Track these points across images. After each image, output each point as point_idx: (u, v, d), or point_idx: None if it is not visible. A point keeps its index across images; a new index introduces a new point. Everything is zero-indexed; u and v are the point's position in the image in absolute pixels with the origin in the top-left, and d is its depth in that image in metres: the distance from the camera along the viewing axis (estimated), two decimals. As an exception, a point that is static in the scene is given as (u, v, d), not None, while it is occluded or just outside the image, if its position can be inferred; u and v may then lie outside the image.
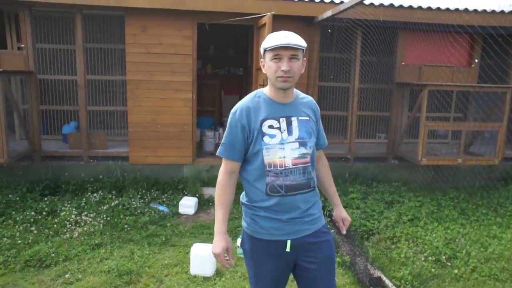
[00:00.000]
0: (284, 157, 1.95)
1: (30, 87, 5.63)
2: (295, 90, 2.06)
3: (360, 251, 4.34)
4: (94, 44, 6.38)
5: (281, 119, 1.97)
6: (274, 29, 5.18)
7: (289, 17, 5.72)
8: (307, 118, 2.02)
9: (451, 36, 5.66)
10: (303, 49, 1.91)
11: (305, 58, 1.97)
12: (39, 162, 5.85)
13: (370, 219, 4.95)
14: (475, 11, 6.00)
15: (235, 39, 8.42)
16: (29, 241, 4.27)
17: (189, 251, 4.19)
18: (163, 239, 4.51)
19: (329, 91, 7.04)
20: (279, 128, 1.96)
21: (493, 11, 6.07)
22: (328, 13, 5.29)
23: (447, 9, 5.94)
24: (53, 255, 4.00)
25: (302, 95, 2.11)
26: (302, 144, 1.97)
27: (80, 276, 3.69)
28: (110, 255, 4.10)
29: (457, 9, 5.94)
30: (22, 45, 5.52)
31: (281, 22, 5.54)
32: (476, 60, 6.66)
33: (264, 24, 5.30)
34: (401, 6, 5.72)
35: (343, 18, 5.58)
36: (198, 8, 5.50)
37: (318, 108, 2.13)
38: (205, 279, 3.71)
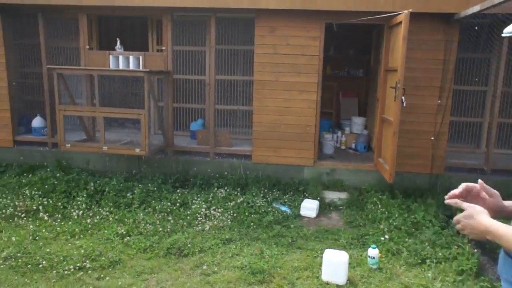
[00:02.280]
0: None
1: (167, 86, 6.09)
2: None
3: None
4: (223, 45, 6.66)
5: None
6: (409, 28, 4.88)
7: (425, 15, 5.33)
8: None
9: None
10: None
11: None
12: (171, 156, 6.30)
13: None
14: None
15: (356, 39, 8.15)
16: (168, 230, 4.60)
17: (317, 255, 4.14)
18: (289, 240, 4.51)
19: (463, 95, 6.40)
20: None
21: None
22: (475, 9, 4.78)
23: None
24: (189, 245, 4.24)
25: None
26: None
27: (216, 269, 3.85)
28: (241, 252, 4.21)
29: None
30: (163, 48, 5.99)
31: (416, 20, 5.19)
32: None
33: (399, 23, 4.99)
34: None
35: (489, 13, 5.00)
36: (328, 7, 5.41)
37: None
38: (338, 287, 3.59)
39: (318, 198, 5.62)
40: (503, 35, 1.42)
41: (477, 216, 1.40)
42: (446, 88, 5.70)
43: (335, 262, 3.64)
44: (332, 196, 5.77)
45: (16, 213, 4.88)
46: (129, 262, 3.94)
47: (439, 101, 5.72)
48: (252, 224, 4.87)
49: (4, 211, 4.89)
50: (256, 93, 5.95)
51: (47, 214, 4.90)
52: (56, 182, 5.60)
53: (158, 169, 6.18)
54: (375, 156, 6.10)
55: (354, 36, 7.97)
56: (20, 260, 3.85)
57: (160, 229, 4.58)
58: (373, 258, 3.97)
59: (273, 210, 5.27)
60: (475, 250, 4.19)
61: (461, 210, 1.48)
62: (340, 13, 5.54)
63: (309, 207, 5.35)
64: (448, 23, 5.50)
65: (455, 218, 1.46)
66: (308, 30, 5.72)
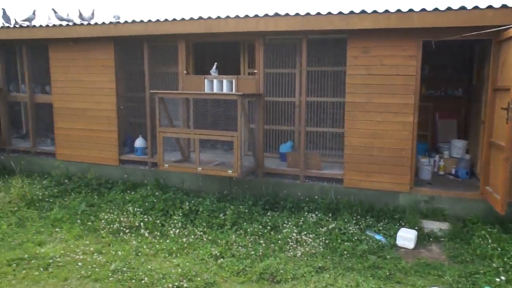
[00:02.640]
0: None
1: (259, 108, 6.19)
2: None
3: None
4: (312, 67, 6.64)
5: None
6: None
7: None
8: None
9: None
10: None
11: None
12: (261, 178, 6.36)
13: None
14: None
15: (454, 56, 7.60)
16: (259, 253, 4.59)
17: (420, 292, 3.81)
18: (387, 273, 4.23)
19: None
20: None
21: None
22: None
23: None
24: (282, 271, 4.17)
25: None
26: None
27: (310, 299, 3.72)
28: (335, 282, 4.04)
29: None
30: (255, 71, 6.13)
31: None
32: None
33: (511, 37, 4.54)
34: None
35: None
36: (427, 25, 5.11)
37: None
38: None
39: (416, 228, 5.23)
40: None
41: None
42: None
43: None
44: (432, 226, 5.33)
45: (121, 228, 5.24)
46: (223, 284, 3.99)
47: (561, 124, 5.04)
48: (345, 252, 4.67)
49: (112, 225, 5.29)
50: (348, 115, 5.79)
51: (147, 231, 5.19)
52: (155, 200, 5.95)
53: (248, 191, 6.27)
54: (482, 183, 5.54)
55: (451, 53, 7.46)
56: (125, 274, 4.10)
57: (252, 252, 4.59)
58: (488, 301, 3.54)
59: (367, 238, 5.02)
60: None
61: None
62: (439, 30, 5.21)
63: (406, 237, 5.00)
64: None
65: None
66: (404, 49, 5.46)
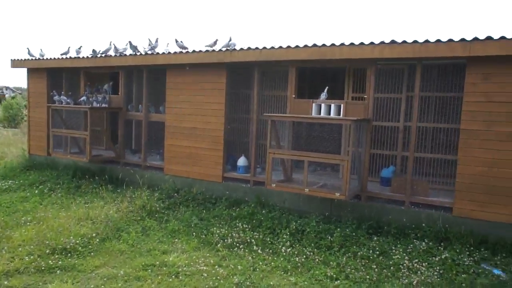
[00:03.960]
0: None
1: (366, 133, 6.27)
2: None
3: None
4: (426, 92, 6.61)
5: None
6: None
7: None
8: None
9: None
10: None
11: None
12: (364, 202, 6.39)
13: None
14: None
15: None
16: (374, 278, 4.63)
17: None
18: (515, 311, 4.04)
19: None
20: None
21: None
22: None
23: None
24: (402, 299, 4.17)
25: None
26: None
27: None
28: (460, 315, 3.95)
29: None
30: (365, 96, 6.24)
31: None
32: None
33: None
34: None
35: None
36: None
37: None
38: None
39: (543, 265, 4.92)
40: None
41: None
42: None
43: None
44: (558, 264, 4.97)
45: (234, 243, 5.58)
46: (345, 307, 4.09)
47: None
48: (463, 285, 4.54)
49: (225, 240, 5.66)
50: (463, 143, 5.64)
51: (259, 247, 5.47)
52: (262, 218, 6.24)
53: (350, 214, 6.32)
54: None
55: None
56: (249, 288, 4.38)
57: (367, 276, 4.65)
58: None
59: (485, 272, 4.82)
60: None
61: None
62: None
63: (531, 274, 4.72)
64: None
65: None
66: (528, 75, 5.24)
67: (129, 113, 9.10)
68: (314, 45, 6.32)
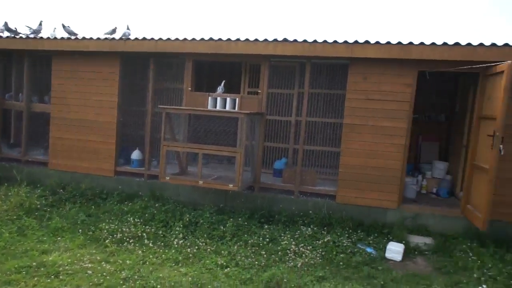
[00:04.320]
0: None
1: (260, 126, 6.50)
2: None
3: None
4: (314, 89, 7.07)
5: None
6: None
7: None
8: None
9: None
10: None
11: None
12: (257, 192, 6.62)
13: None
14: None
15: (437, 84, 8.18)
16: (262, 263, 4.83)
17: (414, 301, 4.14)
18: (381, 283, 4.55)
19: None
20: None
21: None
22: None
23: None
24: (286, 280, 4.41)
25: None
26: None
27: (316, 306, 3.99)
28: (336, 291, 4.32)
29: None
30: (259, 90, 6.46)
31: None
32: None
33: (499, 72, 5.05)
34: None
35: None
36: (424, 57, 5.60)
37: None
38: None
39: (403, 242, 5.61)
40: None
41: None
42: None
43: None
44: (417, 240, 5.72)
45: (124, 238, 5.36)
46: (232, 292, 4.19)
47: (535, 150, 5.58)
48: (341, 263, 4.97)
49: (114, 235, 5.40)
50: (345, 136, 6.17)
51: (150, 241, 5.33)
52: (155, 212, 6.10)
53: (244, 204, 6.50)
54: (463, 202, 6.00)
55: (436, 81, 8.01)
56: (137, 282, 4.24)
57: (256, 262, 4.82)
58: (476, 308, 3.91)
59: (359, 251, 5.34)
60: None
61: None
62: (434, 62, 5.71)
63: (395, 250, 5.35)
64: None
65: None
66: (401, 77, 5.91)
67: (6, 103, 8.17)
68: (211, 39, 6.36)
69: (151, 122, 7.05)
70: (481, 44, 5.42)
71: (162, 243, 5.33)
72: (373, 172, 6.09)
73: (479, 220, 5.33)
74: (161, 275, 4.42)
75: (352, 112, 6.08)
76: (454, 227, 5.93)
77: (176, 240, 5.39)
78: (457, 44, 5.50)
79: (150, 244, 5.25)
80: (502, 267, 4.88)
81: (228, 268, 4.68)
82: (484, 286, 4.46)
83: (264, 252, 5.13)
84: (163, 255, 4.96)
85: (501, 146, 4.98)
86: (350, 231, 5.86)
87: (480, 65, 5.32)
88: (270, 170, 7.38)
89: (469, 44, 5.46)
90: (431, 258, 5.36)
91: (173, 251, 5.11)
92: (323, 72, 7.07)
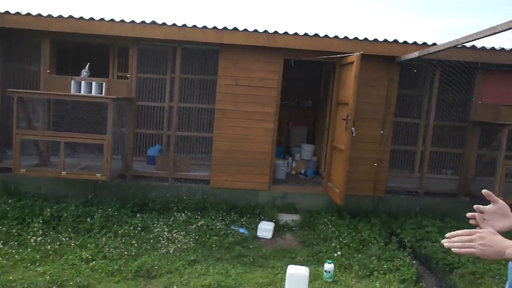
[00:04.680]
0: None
1: (130, 112, 6.21)
2: None
3: (446, 285, 4.41)
4: (187, 75, 6.97)
5: None
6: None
7: (372, 56, 6.03)
8: None
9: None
10: None
11: None
12: (129, 181, 6.35)
13: (451, 253, 4.99)
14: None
15: (305, 72, 8.81)
16: (133, 253, 4.67)
17: (278, 272, 4.46)
18: (251, 260, 4.78)
19: (403, 127, 7.18)
20: None
21: None
22: (414, 54, 5.54)
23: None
24: (157, 267, 4.35)
25: None
26: None
27: (185, 288, 4.01)
28: (207, 271, 4.40)
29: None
30: (128, 75, 6.14)
31: (364, 59, 5.85)
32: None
33: (350, 63, 5.62)
34: (483, 48, 5.89)
35: (425, 58, 5.80)
36: (288, 46, 5.94)
37: None
38: (301, 300, 3.91)
39: (273, 220, 5.97)
40: None
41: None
42: (388, 120, 6.40)
43: (297, 277, 3.97)
44: (286, 218, 6.14)
45: (-33, 240, 4.67)
46: (98, 286, 3.97)
47: (382, 132, 6.40)
48: (214, 245, 5.08)
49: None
50: (217, 121, 6.26)
51: (1, 241, 4.73)
52: (8, 208, 5.43)
53: (115, 194, 6.19)
54: (325, 181, 6.62)
55: (303, 69, 8.62)
56: (-20, 288, 3.74)
57: (125, 252, 4.64)
58: (329, 272, 4.36)
59: (232, 232, 5.52)
60: (414, 261, 4.81)
61: None
62: (298, 51, 6.09)
63: (265, 229, 5.66)
64: (391, 64, 6.24)
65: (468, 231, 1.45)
66: (268, 64, 6.19)
67: None
68: (71, 17, 5.82)
69: (1, 107, 6.20)
70: (336, 37, 5.97)
71: (16, 243, 4.76)
72: (244, 156, 6.32)
73: (337, 196, 5.94)
74: (11, 277, 3.96)
75: (223, 98, 6.19)
76: (318, 203, 6.50)
77: (34, 237, 4.87)
78: (316, 35, 5.96)
79: (0, 245, 4.65)
80: (355, 235, 5.52)
81: (94, 261, 4.41)
82: (339, 252, 5.00)
83: (135, 242, 4.95)
84: (16, 256, 4.44)
85: (353, 128, 5.59)
86: (224, 214, 6.01)
87: (335, 56, 5.85)
88: (144, 158, 7.14)
89: (326, 36, 5.97)
90: (298, 233, 5.80)
91: (30, 250, 4.60)
92: (196, 58, 7.04)
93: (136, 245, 4.89)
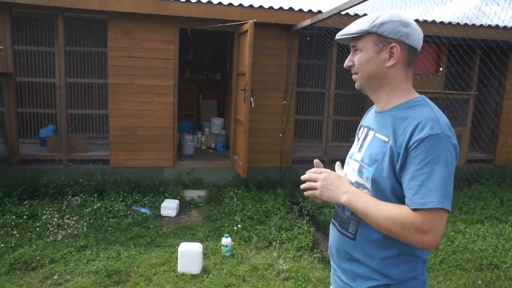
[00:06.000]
0: (345, 174, 1.54)
1: (8, 89, 5.57)
2: (410, 99, 1.41)
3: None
4: (75, 47, 6.37)
5: (362, 128, 1.56)
6: (256, 36, 5.40)
7: (270, 25, 5.94)
8: (385, 139, 1.37)
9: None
10: (362, 35, 1.40)
11: (393, 45, 1.37)
12: (16, 166, 5.78)
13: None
14: (442, 23, 6.43)
15: (213, 44, 8.57)
16: (12, 244, 4.25)
17: (175, 250, 4.31)
18: (148, 240, 4.58)
19: (307, 97, 7.28)
20: (358, 139, 1.55)
21: (457, 24, 6.51)
22: (307, 22, 5.54)
23: (416, 20, 6.33)
24: (38, 257, 3.99)
25: (414, 109, 1.36)
26: (360, 170, 1.44)
27: (68, 277, 3.72)
28: (97, 257, 4.14)
29: (425, 21, 6.34)
30: (1, 47, 5.46)
31: (262, 29, 5.76)
32: (442, 68, 7.11)
33: (246, 31, 5.48)
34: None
35: (321, 27, 5.84)
36: (181, 14, 5.63)
37: (428, 138, 1.25)
38: (193, 276, 3.82)
39: (178, 198, 5.79)
40: (336, 38, 1.49)
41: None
42: (290, 90, 6.43)
43: (189, 254, 3.86)
44: (192, 194, 6.01)
45: None
46: (-38, 285, 3.55)
47: (285, 102, 6.42)
48: (110, 228, 4.79)
49: None
50: (112, 96, 5.85)
51: None
52: None
53: (0, 181, 5.60)
54: (231, 154, 6.55)
55: (211, 41, 8.37)
56: None
57: (2, 245, 4.20)
58: (226, 246, 4.31)
59: (133, 213, 5.27)
60: (312, 228, 4.92)
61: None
62: (193, 20, 5.81)
63: (168, 207, 5.48)
64: (289, 33, 6.21)
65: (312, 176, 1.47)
66: (162, 34, 5.85)
67: None
68: None
69: None
70: (230, 4, 5.78)
71: None
72: (144, 132, 6.01)
73: (241, 168, 5.90)
74: None
75: (116, 71, 5.77)
76: (226, 177, 6.42)
77: None
78: (210, 2, 5.72)
79: None
80: (259, 207, 5.53)
81: (-39, 258, 3.94)
82: (240, 225, 4.97)
83: (16, 232, 4.51)
84: None
85: (251, 99, 5.51)
86: (125, 194, 5.71)
87: (230, 23, 5.67)
88: (37, 140, 6.53)
89: (220, 3, 5.75)
90: (204, 209, 5.69)
91: None
92: (85, 28, 6.45)
93: (17, 235, 4.45)
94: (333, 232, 1.59)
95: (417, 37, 1.40)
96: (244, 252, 4.40)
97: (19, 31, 6.13)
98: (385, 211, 1.29)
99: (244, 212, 5.37)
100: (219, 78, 8.83)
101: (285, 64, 6.27)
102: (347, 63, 1.49)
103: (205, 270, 3.95)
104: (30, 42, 6.26)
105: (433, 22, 6.40)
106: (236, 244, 4.56)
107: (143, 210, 5.40)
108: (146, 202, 5.67)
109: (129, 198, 5.64)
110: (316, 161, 1.56)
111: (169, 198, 5.74)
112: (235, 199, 5.74)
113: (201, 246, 4.00)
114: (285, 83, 6.34)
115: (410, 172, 1.27)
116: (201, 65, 8.81)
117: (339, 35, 1.48)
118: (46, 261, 3.97)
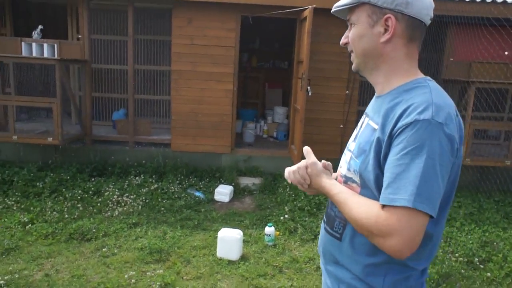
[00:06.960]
0: (340, 167, 1.39)
1: (85, 75, 6.05)
2: (410, 80, 1.21)
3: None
4: (144, 35, 6.70)
5: (363, 116, 1.37)
6: (315, 23, 5.19)
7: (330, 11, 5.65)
8: (375, 126, 1.21)
9: (504, 31, 5.31)
10: (355, 6, 1.23)
11: (387, 16, 1.17)
12: (89, 145, 6.28)
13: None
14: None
15: (281, 32, 8.45)
16: (75, 216, 4.64)
17: (219, 235, 4.36)
18: (196, 223, 4.70)
19: (370, 87, 6.85)
20: (357, 128, 1.39)
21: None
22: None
23: (493, 2, 5.60)
24: (94, 230, 4.31)
25: (410, 92, 1.16)
26: (349, 161, 1.30)
27: (116, 251, 3.96)
28: (145, 234, 4.35)
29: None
30: (80, 36, 5.93)
31: (323, 15, 5.49)
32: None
33: (305, 17, 5.30)
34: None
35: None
36: (242, 1, 5.61)
37: (413, 123, 1.06)
38: (230, 262, 3.83)
39: (233, 184, 5.85)
40: (332, 12, 1.34)
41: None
42: (352, 80, 6.11)
43: (227, 240, 3.88)
44: (247, 181, 6.02)
45: None
46: (27, 248, 3.95)
47: (347, 92, 6.13)
48: (162, 209, 5.01)
49: None
50: (174, 83, 6.06)
51: None
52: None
53: (75, 159, 6.14)
54: (289, 143, 6.43)
55: (279, 29, 8.26)
56: None
57: (67, 216, 4.61)
58: (269, 235, 4.25)
59: (187, 195, 5.44)
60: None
61: None
62: (254, 7, 5.76)
63: (222, 192, 5.56)
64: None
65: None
66: (224, 22, 5.89)
67: None
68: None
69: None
70: (293, -11, 5.61)
71: (-40, 206, 4.79)
72: (204, 118, 6.14)
73: (296, 158, 5.77)
74: None
75: (178, 58, 5.96)
76: (282, 166, 6.23)
77: (-21, 202, 4.88)
78: (269, -12, 5.61)
79: None
80: (312, 198, 5.37)
81: (32, 225, 4.40)
82: (287, 216, 4.87)
83: (81, 205, 4.92)
84: (-46, 218, 4.47)
85: (308, 87, 5.33)
86: (182, 177, 5.91)
87: (290, 10, 5.50)
88: (111, 123, 7.03)
89: (280, -11, 5.61)
90: (257, 197, 5.69)
91: (-30, 214, 4.62)
92: (153, 17, 6.73)
93: (81, 208, 4.85)
94: (321, 230, 1.45)
95: (421, 5, 1.18)
96: (287, 243, 4.31)
97: (96, 22, 6.58)
98: (353, 204, 1.14)
99: (295, 202, 5.25)
100: (286, 67, 8.70)
101: (347, 52, 5.93)
102: (342, 40, 1.34)
103: (243, 257, 3.93)
104: (105, 31, 6.70)
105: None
106: (281, 234, 4.49)
107: (197, 193, 5.55)
108: (201, 186, 5.82)
109: (186, 181, 5.83)
110: (306, 148, 1.41)
111: (224, 184, 5.83)
112: (288, 189, 5.65)
113: (241, 233, 3.98)
114: (348, 72, 6.03)
115: (389, 163, 1.10)
116: (269, 53, 8.76)
117: (334, 8, 1.32)
118: (100, 234, 4.26)
